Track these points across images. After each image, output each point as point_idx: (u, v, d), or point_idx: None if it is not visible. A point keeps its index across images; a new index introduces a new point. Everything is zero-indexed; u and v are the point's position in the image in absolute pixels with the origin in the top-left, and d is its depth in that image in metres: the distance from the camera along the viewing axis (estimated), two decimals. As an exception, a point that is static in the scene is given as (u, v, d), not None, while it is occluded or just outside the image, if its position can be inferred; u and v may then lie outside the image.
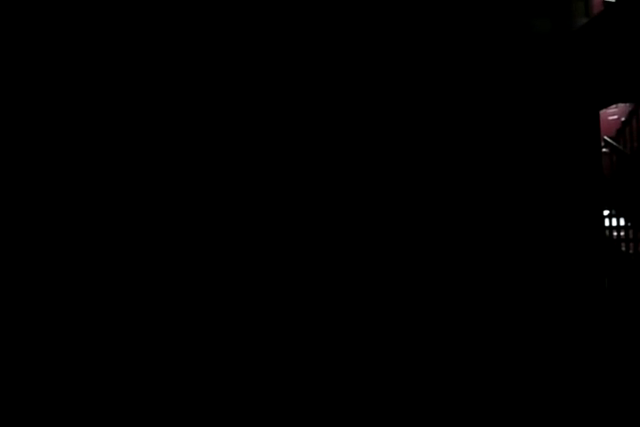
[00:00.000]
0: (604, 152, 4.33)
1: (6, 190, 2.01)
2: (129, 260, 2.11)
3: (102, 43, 2.15)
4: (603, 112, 5.15)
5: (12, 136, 2.03)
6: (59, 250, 2.04)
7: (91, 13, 2.13)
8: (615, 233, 4.07)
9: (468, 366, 2.46)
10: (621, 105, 4.98)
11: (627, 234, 3.96)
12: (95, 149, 2.12)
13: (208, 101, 2.27)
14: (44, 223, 2.04)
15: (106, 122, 2.14)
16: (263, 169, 2.32)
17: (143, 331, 2.09)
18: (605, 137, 4.22)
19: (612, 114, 5.16)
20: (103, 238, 2.10)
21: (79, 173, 2.10)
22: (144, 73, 2.19)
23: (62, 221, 2.06)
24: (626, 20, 2.55)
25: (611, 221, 4.10)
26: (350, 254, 2.39)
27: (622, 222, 4.05)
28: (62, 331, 2.01)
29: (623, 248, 3.97)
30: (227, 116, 2.29)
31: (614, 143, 4.18)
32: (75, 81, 2.12)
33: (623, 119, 4.31)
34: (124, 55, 2.17)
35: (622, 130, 4.29)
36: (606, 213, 4.09)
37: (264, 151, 2.33)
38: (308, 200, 2.36)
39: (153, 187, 2.17)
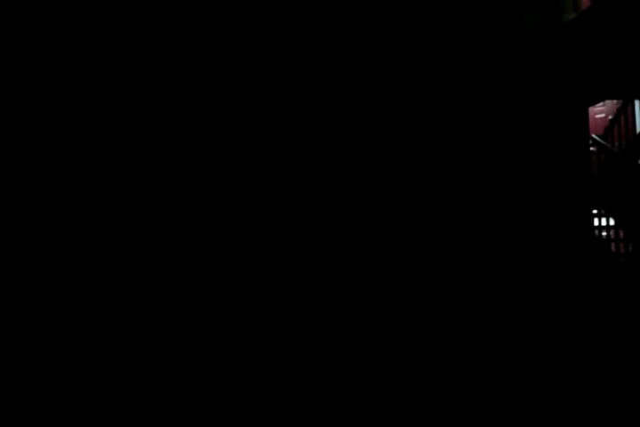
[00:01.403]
0: (592, 151, 4.30)
1: (7, 191, 1.96)
2: (129, 260, 2.06)
3: (103, 43, 2.08)
4: (590, 110, 5.13)
5: (13, 136, 1.98)
6: (59, 250, 1.99)
7: (91, 13, 2.06)
8: (604, 233, 4.04)
9: (454, 365, 2.40)
10: (609, 103, 4.95)
11: (616, 234, 3.92)
12: (95, 150, 2.07)
13: (208, 102, 2.20)
14: (45, 223, 1.99)
15: (106, 122, 2.09)
16: (263, 169, 2.25)
17: (144, 330, 2.04)
18: (593, 135, 4.18)
19: (600, 112, 5.13)
20: (103, 239, 2.04)
21: (79, 173, 2.04)
22: (145, 73, 2.12)
23: (62, 221, 2.00)
24: (614, 15, 2.50)
25: (600, 221, 4.06)
26: (347, 253, 2.32)
27: (612, 222, 4.01)
28: (62, 330, 1.97)
29: (613, 248, 3.94)
30: (227, 117, 2.22)
31: (602, 142, 4.14)
32: (75, 81, 2.06)
33: (611, 117, 4.28)
34: (124, 56, 2.10)
35: (610, 128, 4.26)
36: (595, 212, 4.06)
37: (264, 151, 2.26)
38: (308, 200, 2.29)
39: (153, 187, 2.12)
